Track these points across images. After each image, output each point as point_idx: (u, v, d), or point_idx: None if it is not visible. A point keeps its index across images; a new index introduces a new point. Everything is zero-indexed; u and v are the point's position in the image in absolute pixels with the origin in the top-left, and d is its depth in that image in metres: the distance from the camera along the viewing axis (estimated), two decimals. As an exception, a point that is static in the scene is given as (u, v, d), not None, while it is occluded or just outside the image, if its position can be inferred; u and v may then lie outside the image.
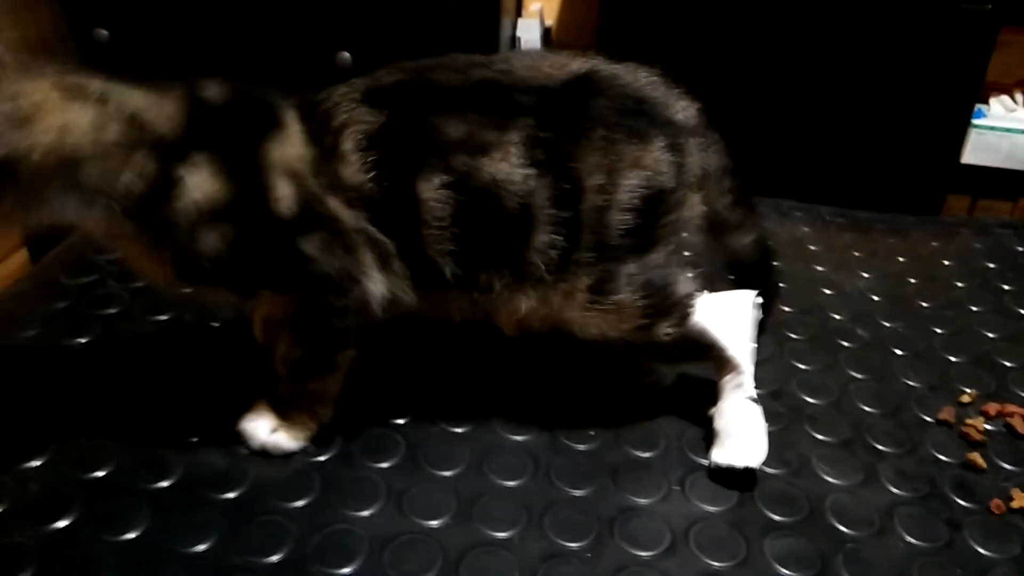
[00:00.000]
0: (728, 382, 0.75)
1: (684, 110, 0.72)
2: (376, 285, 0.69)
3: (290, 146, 0.67)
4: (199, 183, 0.64)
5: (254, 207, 0.65)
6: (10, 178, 0.60)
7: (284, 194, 0.66)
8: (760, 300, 0.78)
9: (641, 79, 0.72)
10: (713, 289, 0.77)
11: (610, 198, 0.68)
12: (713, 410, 0.76)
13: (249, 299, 0.73)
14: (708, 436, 0.75)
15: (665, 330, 0.74)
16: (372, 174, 0.66)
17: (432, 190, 0.66)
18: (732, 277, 0.83)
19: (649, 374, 0.85)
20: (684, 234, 0.74)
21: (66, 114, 0.62)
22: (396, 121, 0.67)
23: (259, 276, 0.68)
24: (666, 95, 0.72)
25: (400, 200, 0.67)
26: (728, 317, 0.76)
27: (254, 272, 0.68)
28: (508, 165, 0.66)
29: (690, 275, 0.74)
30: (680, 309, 0.73)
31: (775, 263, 0.87)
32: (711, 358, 0.77)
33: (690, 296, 0.74)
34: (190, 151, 0.64)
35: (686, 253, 0.76)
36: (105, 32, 1.64)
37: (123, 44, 1.64)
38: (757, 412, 0.74)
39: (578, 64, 0.71)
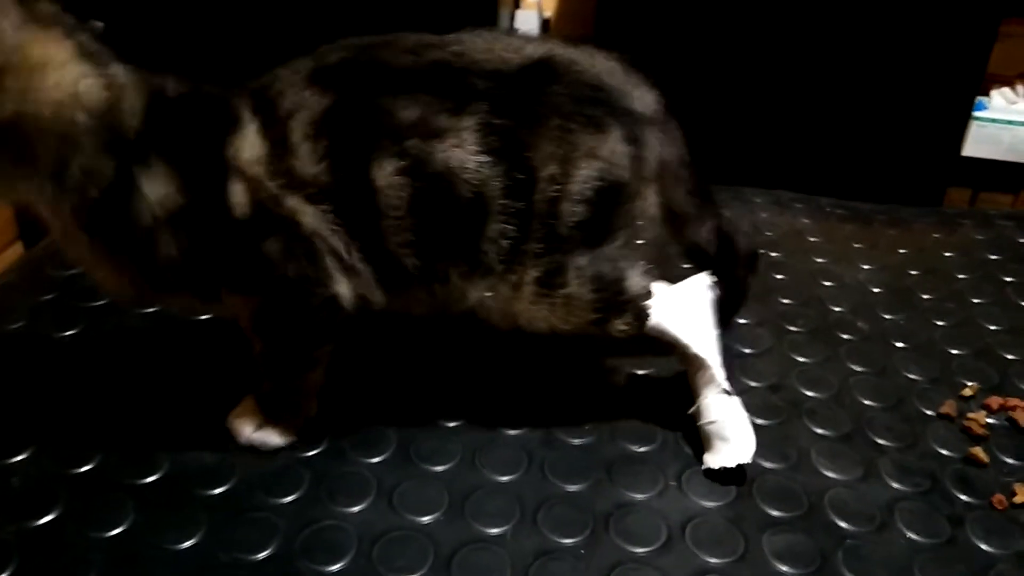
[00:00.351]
0: (699, 379, 0.73)
1: (642, 98, 0.70)
2: (342, 287, 0.66)
3: (247, 146, 0.64)
4: (158, 192, 0.62)
5: (212, 212, 0.63)
6: (14, 138, 0.58)
7: (240, 199, 0.63)
8: (715, 280, 0.76)
9: (599, 65, 0.69)
10: (670, 280, 0.75)
11: (562, 188, 0.66)
12: (693, 410, 0.74)
13: (213, 303, 0.69)
14: (696, 436, 0.74)
15: (619, 327, 0.71)
16: (324, 164, 0.64)
17: (387, 176, 0.64)
18: (692, 267, 0.80)
19: (621, 372, 0.83)
20: (639, 225, 0.71)
21: (83, 83, 0.59)
22: (344, 104, 0.64)
23: (221, 280, 0.66)
24: (624, 82, 0.69)
25: (356, 189, 0.64)
26: (685, 312, 0.73)
27: (216, 276, 0.66)
28: (462, 152, 0.64)
29: (644, 270, 0.72)
30: (634, 307, 0.71)
31: (742, 250, 0.84)
32: (677, 355, 0.75)
33: (644, 294, 0.71)
34: (152, 157, 0.62)
35: (639, 243, 0.73)
36: (100, 24, 1.62)
37: (118, 36, 1.62)
38: (736, 405, 0.73)
39: (534, 48, 0.68)
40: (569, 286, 0.68)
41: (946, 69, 1.58)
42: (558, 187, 0.66)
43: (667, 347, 0.75)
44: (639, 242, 0.73)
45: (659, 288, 0.73)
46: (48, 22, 0.59)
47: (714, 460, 0.71)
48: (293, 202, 0.64)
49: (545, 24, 1.94)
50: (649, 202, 0.72)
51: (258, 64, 0.69)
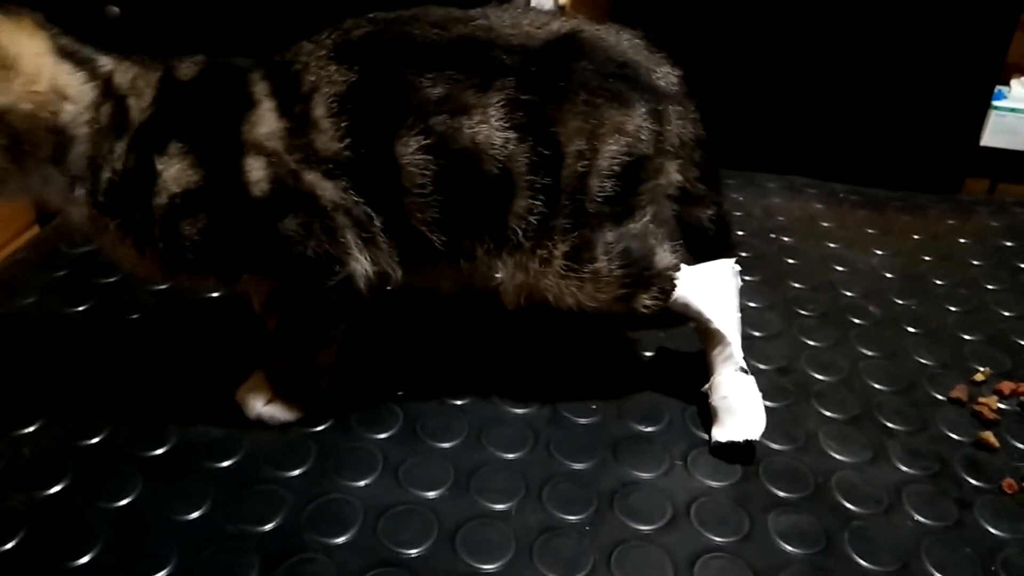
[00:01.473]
0: (717, 355, 0.73)
1: (666, 76, 0.70)
2: (359, 264, 0.66)
3: (263, 124, 0.64)
4: (177, 176, 0.62)
5: (230, 192, 0.63)
6: (7, 135, 0.59)
7: (258, 176, 0.63)
8: (739, 268, 0.76)
9: (624, 42, 0.69)
10: (692, 261, 0.75)
11: (590, 164, 0.66)
12: (707, 386, 0.74)
13: (234, 284, 0.70)
14: (707, 413, 0.74)
15: (645, 302, 0.71)
16: (347, 140, 0.63)
17: (411, 153, 0.63)
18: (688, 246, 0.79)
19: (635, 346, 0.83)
20: (663, 203, 0.72)
21: (63, 78, 0.61)
22: (369, 79, 0.64)
23: (241, 261, 0.66)
24: (648, 59, 0.70)
25: (379, 166, 0.64)
26: (710, 289, 0.73)
27: (235, 257, 0.66)
28: (489, 128, 0.64)
29: (671, 247, 0.72)
30: (660, 282, 0.71)
31: (732, 237, 0.84)
32: (697, 331, 0.75)
33: (671, 269, 0.72)
34: (168, 140, 0.63)
35: (665, 221, 0.73)
36: (117, 9, 1.63)
37: (135, 22, 1.63)
38: (751, 383, 0.73)
39: (560, 24, 0.68)
40: (598, 262, 0.68)
41: (965, 58, 1.56)
42: (586, 162, 0.66)
43: (676, 325, 0.74)
44: (665, 219, 0.73)
45: (686, 266, 0.73)
46: (18, 18, 0.61)
47: (721, 433, 0.71)
48: (312, 177, 0.64)
49: (560, 9, 1.93)
50: (672, 176, 0.72)
51: (281, 36, 0.69)
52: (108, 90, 0.63)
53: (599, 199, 0.67)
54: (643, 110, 0.67)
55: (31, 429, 0.69)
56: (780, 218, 1.06)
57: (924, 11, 1.52)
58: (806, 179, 1.16)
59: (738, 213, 1.06)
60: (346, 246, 0.65)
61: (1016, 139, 1.77)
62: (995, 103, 1.70)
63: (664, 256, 0.71)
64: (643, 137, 0.67)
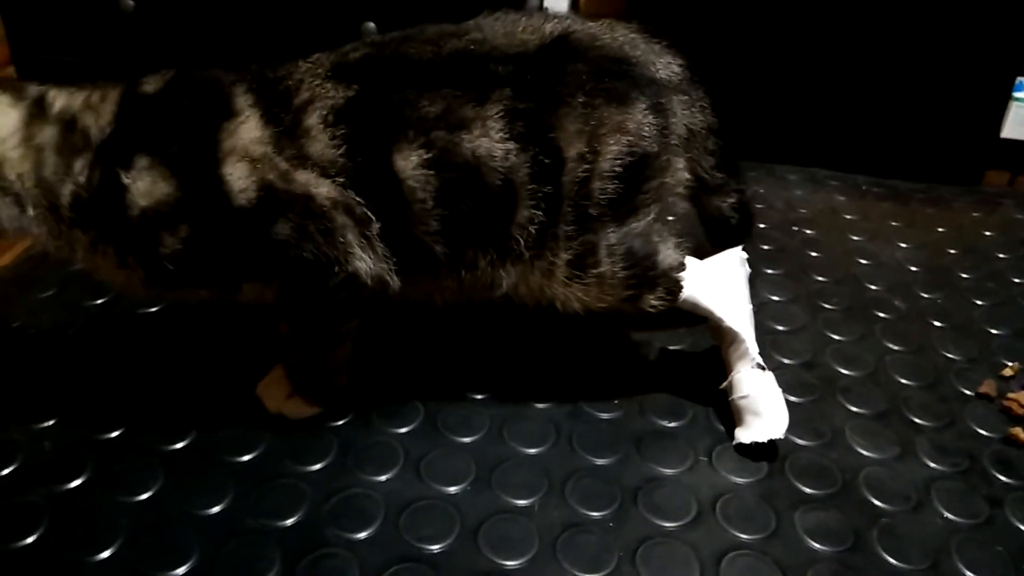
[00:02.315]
0: (731, 353, 0.72)
1: (667, 66, 0.69)
2: (363, 263, 0.65)
3: (244, 132, 0.62)
4: (147, 189, 0.61)
5: (210, 202, 0.62)
6: None
7: (242, 184, 0.62)
8: (746, 256, 0.75)
9: (619, 37, 0.68)
10: (700, 255, 0.74)
11: (592, 167, 0.65)
12: (725, 384, 0.72)
13: (234, 294, 0.68)
14: (728, 410, 0.73)
15: (651, 302, 0.70)
16: (344, 148, 0.62)
17: (411, 168, 0.62)
18: (709, 236, 0.80)
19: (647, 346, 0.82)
20: (669, 200, 0.70)
21: None
22: (367, 96, 0.63)
23: (236, 270, 0.65)
24: (646, 52, 0.68)
25: (379, 177, 0.63)
26: (718, 285, 0.72)
27: (229, 266, 0.65)
28: (489, 141, 0.63)
29: (676, 243, 0.71)
30: (666, 282, 0.70)
31: (754, 225, 0.84)
32: (708, 329, 0.74)
33: (677, 267, 0.70)
34: (133, 154, 0.62)
35: (671, 218, 0.72)
36: (132, 2, 1.63)
37: (149, 14, 1.63)
38: (770, 380, 0.71)
39: (552, 26, 0.67)
40: (601, 266, 0.67)
41: (986, 48, 1.54)
42: (588, 166, 0.65)
43: (699, 320, 0.73)
44: (671, 216, 0.72)
45: (692, 261, 0.72)
46: None
47: (745, 435, 0.70)
48: (305, 177, 0.62)
49: (575, 1, 1.91)
50: (678, 173, 0.71)
51: (287, 46, 0.69)
52: (42, 112, 0.63)
53: (602, 202, 0.66)
54: (643, 106, 0.66)
55: (51, 423, 0.69)
56: (802, 210, 1.05)
57: (945, 2, 1.50)
58: (828, 171, 1.14)
59: (760, 205, 1.04)
60: (347, 245, 0.64)
61: (1037, 131, 1.75)
62: (1016, 94, 1.68)
63: (668, 254, 0.70)
64: (645, 134, 0.66)
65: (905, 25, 1.52)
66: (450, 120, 0.63)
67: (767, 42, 1.56)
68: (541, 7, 1.79)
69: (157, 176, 0.62)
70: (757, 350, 0.72)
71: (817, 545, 0.63)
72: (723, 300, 0.72)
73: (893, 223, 1.03)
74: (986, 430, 0.74)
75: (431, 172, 0.63)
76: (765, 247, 0.97)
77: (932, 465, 0.70)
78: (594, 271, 0.68)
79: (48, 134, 0.63)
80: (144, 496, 0.64)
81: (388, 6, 1.56)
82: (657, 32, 0.70)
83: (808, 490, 0.67)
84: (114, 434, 0.68)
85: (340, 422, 0.71)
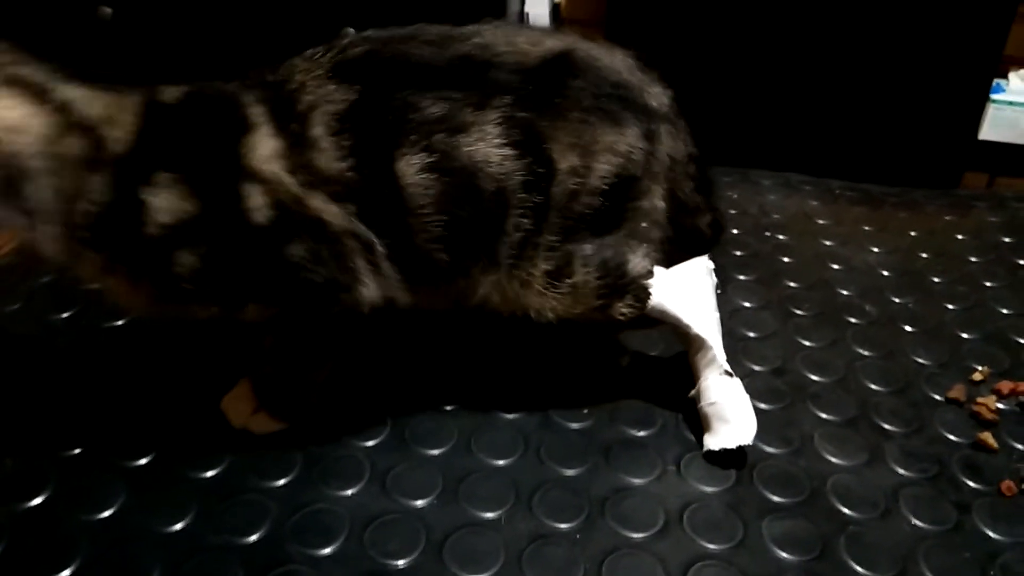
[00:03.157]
0: (699, 360, 0.72)
1: (657, 96, 0.70)
2: (367, 290, 0.65)
3: (261, 148, 0.62)
4: (167, 206, 0.60)
5: (228, 220, 0.61)
6: None
7: (258, 202, 0.61)
8: (713, 265, 0.76)
9: (618, 62, 0.69)
10: (667, 263, 0.74)
11: (582, 182, 0.65)
12: (693, 392, 0.72)
13: (238, 313, 0.67)
14: (697, 418, 0.73)
15: (621, 310, 0.71)
16: (350, 160, 0.62)
17: (413, 173, 0.62)
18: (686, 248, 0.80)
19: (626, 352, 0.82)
20: (642, 221, 0.71)
21: (13, 111, 0.58)
22: (370, 98, 0.63)
23: (245, 289, 0.64)
24: (641, 80, 0.69)
25: (383, 186, 0.63)
26: (685, 293, 0.73)
27: (239, 286, 0.64)
28: (486, 145, 0.63)
29: (644, 252, 0.71)
30: (636, 289, 0.71)
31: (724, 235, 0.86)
32: (676, 336, 0.74)
33: (645, 275, 0.71)
34: (153, 171, 0.60)
35: (641, 227, 0.72)
36: (109, 9, 1.62)
37: (127, 22, 1.62)
38: (737, 386, 0.71)
39: (555, 41, 0.68)
40: (576, 275, 0.68)
41: (963, 50, 1.54)
42: (578, 180, 0.65)
43: (667, 327, 0.73)
44: (642, 226, 0.72)
45: (659, 270, 0.72)
46: None
47: (714, 442, 0.70)
48: (317, 202, 0.62)
49: (556, 9, 1.91)
50: (655, 199, 0.71)
51: (267, 53, 0.68)
52: (69, 120, 0.60)
53: (587, 216, 0.66)
54: (635, 130, 0.67)
55: (12, 440, 0.68)
56: (775, 216, 1.05)
57: (921, 4, 1.50)
58: (802, 176, 1.14)
59: (733, 211, 1.04)
60: (355, 271, 0.64)
61: (1014, 132, 1.76)
62: (993, 96, 1.69)
63: (637, 262, 0.71)
64: (634, 158, 0.67)
65: (882, 29, 1.53)
66: (450, 124, 0.63)
67: (743, 47, 1.56)
68: (522, 14, 1.79)
69: (178, 193, 0.61)
70: (724, 357, 0.72)
71: (784, 554, 0.63)
72: (690, 307, 0.72)
73: (866, 227, 1.03)
74: (955, 435, 0.74)
75: (432, 175, 0.63)
76: (737, 253, 0.97)
77: (901, 471, 0.70)
78: (569, 280, 0.68)
79: (69, 145, 0.60)
80: (106, 513, 0.63)
81: (367, 11, 1.56)
82: (648, 61, 0.71)
83: (776, 498, 0.67)
84: (76, 451, 0.68)
85: (305, 436, 0.70)
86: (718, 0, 1.54)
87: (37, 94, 0.60)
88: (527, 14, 1.80)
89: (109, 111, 0.61)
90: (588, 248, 0.68)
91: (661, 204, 0.72)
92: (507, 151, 0.63)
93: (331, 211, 0.63)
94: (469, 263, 0.67)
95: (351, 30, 1.60)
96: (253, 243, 0.62)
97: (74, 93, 0.61)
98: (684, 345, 0.74)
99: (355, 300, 0.65)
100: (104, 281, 0.64)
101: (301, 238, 0.62)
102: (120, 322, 0.81)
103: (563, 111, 0.65)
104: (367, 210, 0.63)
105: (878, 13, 1.52)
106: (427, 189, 0.63)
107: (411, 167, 0.62)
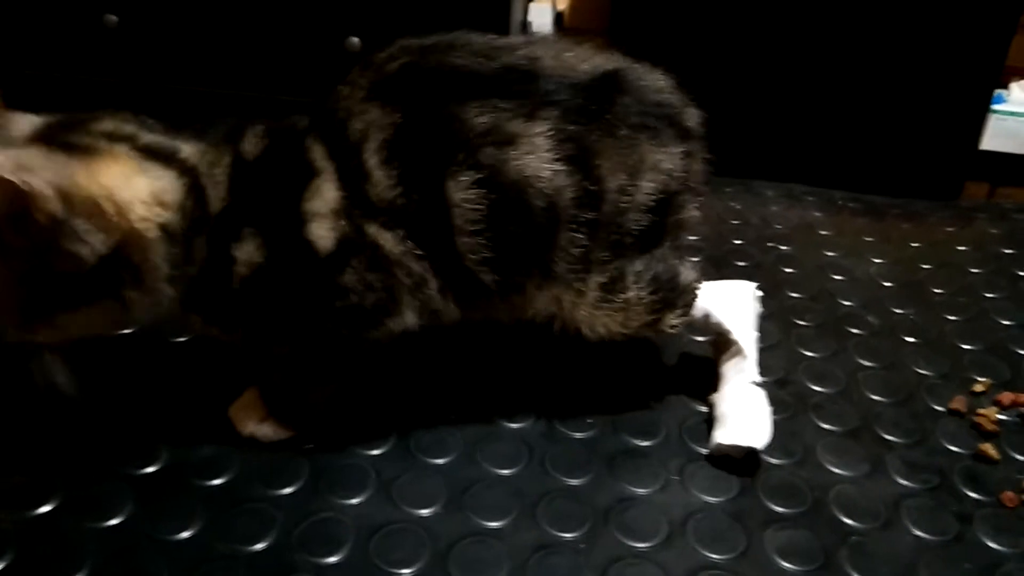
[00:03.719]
0: (730, 367, 0.74)
1: (693, 118, 0.71)
2: (407, 318, 0.66)
3: (327, 191, 0.63)
4: (247, 258, 0.62)
5: (295, 259, 0.63)
6: (127, 265, 0.60)
7: (325, 240, 0.62)
8: (759, 293, 0.79)
9: (660, 82, 0.70)
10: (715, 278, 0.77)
11: (631, 199, 0.66)
12: (714, 396, 0.73)
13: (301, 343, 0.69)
14: (710, 423, 0.73)
15: (672, 322, 0.73)
16: (401, 188, 0.62)
17: (462, 190, 0.62)
18: None
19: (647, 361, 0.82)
20: (683, 232, 0.73)
21: (155, 185, 0.60)
22: (413, 118, 0.63)
23: (309, 322, 0.66)
24: (680, 100, 0.70)
25: (432, 209, 0.63)
26: (731, 302, 0.75)
27: (305, 319, 0.65)
28: (536, 159, 0.63)
29: (692, 264, 0.74)
30: (685, 298, 0.73)
31: None
32: (713, 345, 0.76)
33: (694, 283, 0.73)
34: (242, 227, 0.62)
35: (690, 239, 0.75)
36: (115, 17, 1.63)
37: (133, 30, 1.63)
38: (761, 395, 0.73)
39: (602, 59, 0.68)
40: (629, 291, 0.69)
41: (964, 61, 1.55)
42: (628, 197, 0.66)
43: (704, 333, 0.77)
44: (684, 237, 0.74)
45: (706, 282, 0.76)
46: (95, 149, 0.59)
47: (723, 435, 0.70)
48: (373, 230, 0.63)
49: (559, 18, 1.92)
50: (692, 212, 0.73)
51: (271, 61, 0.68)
52: (193, 183, 0.62)
53: (635, 232, 0.67)
54: (678, 149, 0.68)
55: (20, 448, 0.69)
56: (778, 226, 1.05)
57: (923, 15, 1.51)
58: (805, 186, 1.15)
59: (735, 222, 1.05)
60: (400, 304, 0.65)
61: (1016, 143, 1.77)
62: (994, 107, 1.70)
63: (687, 273, 0.73)
64: (676, 175, 0.68)
65: (884, 40, 1.54)
66: (498, 136, 0.63)
67: (746, 57, 1.57)
68: (525, 24, 1.80)
69: (255, 245, 0.62)
70: (757, 371, 0.73)
71: (787, 564, 0.63)
72: (734, 316, 0.75)
73: (868, 238, 1.04)
74: (956, 446, 0.74)
75: (481, 191, 0.62)
76: (740, 263, 0.97)
77: (902, 482, 0.71)
78: (622, 296, 0.69)
79: (189, 208, 0.61)
80: (113, 522, 0.63)
81: (371, 21, 1.57)
82: (680, 83, 0.72)
83: (779, 509, 0.68)
84: (83, 459, 0.68)
85: (312, 445, 0.71)
86: (721, 11, 1.56)
87: (171, 161, 0.62)
88: (530, 23, 1.80)
89: (211, 170, 0.63)
90: (639, 264, 0.69)
91: (696, 213, 0.73)
92: (558, 165, 0.63)
93: (385, 238, 0.63)
94: (522, 279, 0.67)
95: (356, 40, 1.61)
96: (315, 273, 0.63)
97: (190, 152, 0.63)
98: (718, 352, 0.76)
99: (395, 325, 0.66)
100: (208, 332, 0.67)
101: (356, 263, 0.63)
102: (127, 331, 0.81)
103: (612, 127, 0.65)
104: (417, 235, 0.64)
105: (880, 24, 1.52)
106: (476, 205, 0.63)
107: (460, 183, 0.62)
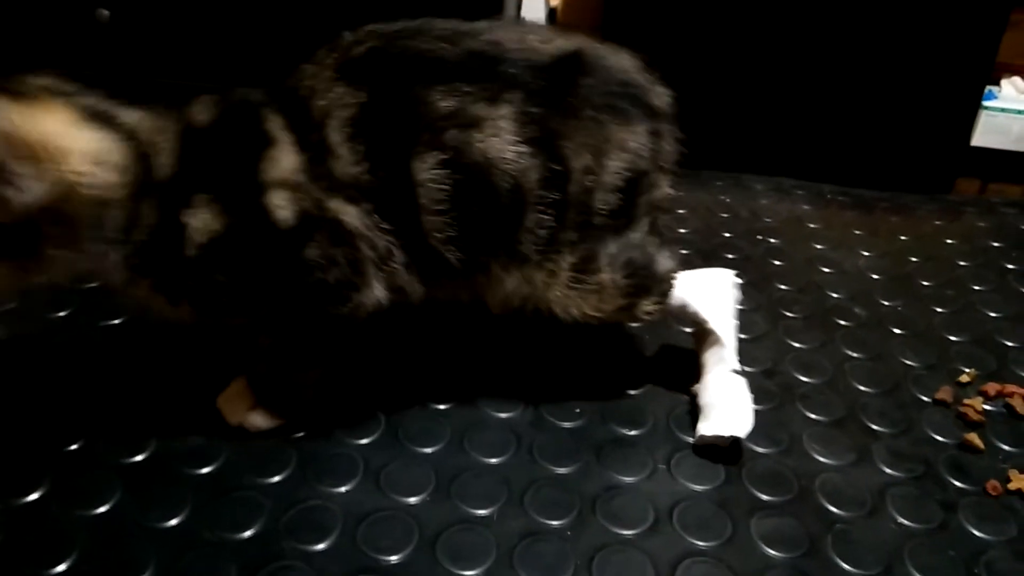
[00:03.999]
0: (710, 357, 0.74)
1: (660, 96, 0.71)
2: (373, 293, 0.66)
3: (284, 161, 0.63)
4: (202, 226, 0.62)
5: (253, 228, 0.63)
6: (54, 221, 0.58)
7: (283, 211, 0.62)
8: (740, 281, 0.78)
9: (624, 62, 0.70)
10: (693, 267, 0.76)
11: (596, 179, 0.66)
12: (696, 386, 0.74)
13: (262, 320, 0.69)
14: (694, 413, 0.74)
15: (647, 308, 0.72)
16: (365, 165, 0.63)
17: (427, 170, 0.63)
18: None
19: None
20: (656, 214, 0.72)
21: (95, 143, 0.59)
22: (379, 98, 0.63)
23: (268, 297, 0.65)
24: (648, 80, 0.70)
25: (398, 187, 0.63)
26: (709, 291, 0.75)
27: (264, 294, 0.65)
28: (500, 141, 0.64)
29: (670, 252, 0.73)
30: (661, 286, 0.73)
31: None
32: (693, 336, 0.76)
33: (671, 272, 0.73)
34: (193, 193, 0.62)
35: (664, 231, 0.75)
36: (106, 12, 1.63)
37: (125, 25, 1.62)
38: (742, 383, 0.73)
39: (564, 41, 0.68)
40: (602, 273, 0.69)
41: (955, 57, 1.56)
42: (593, 177, 0.66)
43: (683, 323, 0.76)
44: (658, 219, 0.74)
45: (684, 272, 0.75)
46: (31, 96, 0.58)
47: (706, 427, 0.71)
48: (335, 204, 0.63)
49: (552, 13, 1.93)
50: (664, 191, 0.73)
51: (264, 54, 0.68)
52: (136, 148, 0.62)
53: (604, 212, 0.67)
54: (643, 127, 0.68)
55: (7, 436, 0.69)
56: (767, 220, 1.06)
57: (914, 11, 1.52)
58: (794, 180, 1.15)
59: (725, 215, 1.06)
60: (366, 277, 0.65)
61: (1006, 139, 1.77)
62: (985, 103, 1.70)
63: (664, 262, 0.73)
64: (643, 154, 0.68)
65: (875, 35, 1.54)
66: (462, 119, 0.63)
67: (737, 52, 1.57)
68: (518, 15, 1.80)
69: (212, 212, 0.62)
70: (737, 359, 0.74)
71: (772, 552, 0.64)
72: (710, 305, 0.75)
73: (856, 232, 1.04)
74: (942, 436, 0.75)
75: (446, 172, 0.63)
76: (729, 256, 0.98)
77: (888, 471, 0.71)
78: (595, 278, 0.69)
79: (137, 173, 0.61)
80: (101, 509, 0.63)
81: (363, 12, 1.56)
82: (649, 63, 0.72)
83: (765, 497, 0.68)
84: (72, 447, 0.68)
85: (300, 434, 0.71)
86: (714, 6, 1.56)
87: (112, 124, 0.61)
88: (523, 18, 1.81)
89: (155, 137, 0.63)
90: (613, 247, 0.69)
91: (669, 192, 0.73)
92: (521, 147, 0.64)
93: (347, 212, 0.64)
94: (487, 259, 0.67)
95: (348, 34, 1.61)
96: (276, 247, 0.63)
97: (133, 117, 0.63)
98: (697, 343, 0.76)
99: (361, 302, 0.66)
100: (150, 301, 0.66)
101: (318, 240, 0.63)
102: (116, 320, 0.81)
103: (575, 109, 0.65)
104: (383, 211, 0.64)
105: (871, 19, 1.53)
106: (441, 186, 0.63)
107: (424, 164, 0.63)
